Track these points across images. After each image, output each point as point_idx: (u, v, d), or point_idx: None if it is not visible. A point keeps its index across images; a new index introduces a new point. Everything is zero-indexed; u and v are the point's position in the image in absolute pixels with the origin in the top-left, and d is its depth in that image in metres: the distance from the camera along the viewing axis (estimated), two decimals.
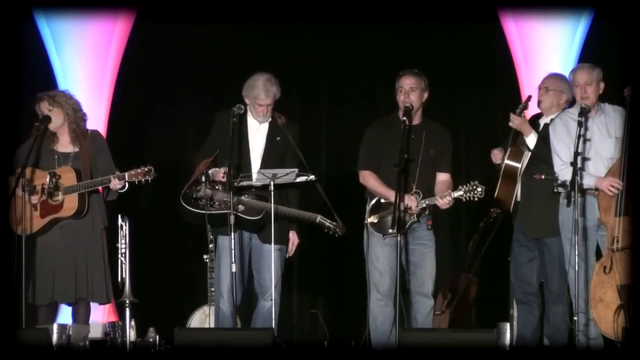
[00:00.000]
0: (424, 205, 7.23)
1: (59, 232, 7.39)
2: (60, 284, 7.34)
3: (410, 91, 7.30)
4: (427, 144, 7.34)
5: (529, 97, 7.71)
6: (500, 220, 8.12)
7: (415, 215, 7.24)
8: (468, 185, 7.22)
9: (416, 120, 7.39)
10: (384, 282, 7.29)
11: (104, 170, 7.40)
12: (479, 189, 7.20)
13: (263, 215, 7.28)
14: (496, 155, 7.74)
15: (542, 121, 7.70)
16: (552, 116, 7.61)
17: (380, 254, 7.31)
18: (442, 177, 7.40)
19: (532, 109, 8.05)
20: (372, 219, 7.35)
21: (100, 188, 7.42)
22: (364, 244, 7.40)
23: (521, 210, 7.62)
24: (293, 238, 7.53)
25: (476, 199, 7.24)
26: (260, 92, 7.36)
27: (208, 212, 7.25)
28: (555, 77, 7.80)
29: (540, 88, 7.74)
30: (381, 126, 7.48)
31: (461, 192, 7.22)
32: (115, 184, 7.25)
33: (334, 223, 7.39)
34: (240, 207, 7.32)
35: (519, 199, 7.65)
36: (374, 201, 7.37)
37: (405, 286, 7.40)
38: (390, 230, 7.08)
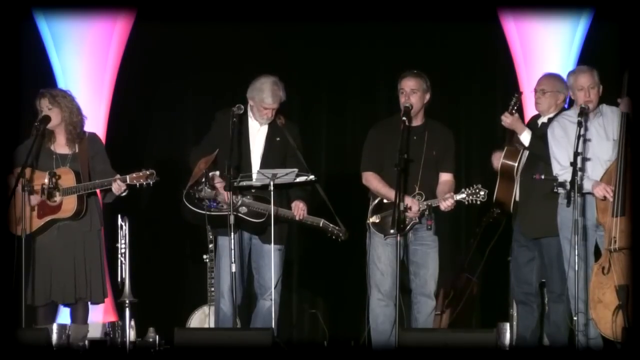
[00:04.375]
0: (425, 207, 7.24)
1: (56, 232, 7.38)
2: (58, 285, 7.32)
3: (411, 93, 7.30)
4: (429, 145, 7.34)
5: (520, 94, 7.64)
6: (503, 223, 8.09)
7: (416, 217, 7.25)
8: (471, 188, 7.23)
9: (418, 121, 7.39)
10: (386, 282, 7.29)
11: (101, 172, 7.38)
12: (482, 193, 7.22)
13: (266, 217, 7.28)
14: (497, 159, 7.70)
15: (540, 121, 7.68)
16: (550, 115, 7.60)
17: (382, 254, 7.31)
18: (445, 177, 7.40)
19: (530, 111, 8.04)
20: (374, 219, 7.36)
21: (98, 191, 7.41)
22: (367, 244, 7.40)
23: (520, 209, 7.61)
24: (301, 205, 7.41)
25: (478, 202, 7.26)
26: (268, 96, 7.35)
27: (212, 212, 7.25)
28: (550, 77, 7.77)
29: (536, 91, 7.71)
30: (383, 127, 7.47)
31: (464, 195, 7.23)
32: (118, 187, 7.23)
33: (337, 227, 7.40)
34: (243, 209, 7.32)
35: (517, 198, 7.64)
36: (376, 201, 7.38)
37: (407, 286, 7.40)
38: (392, 231, 7.08)
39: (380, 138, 7.42)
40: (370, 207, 7.40)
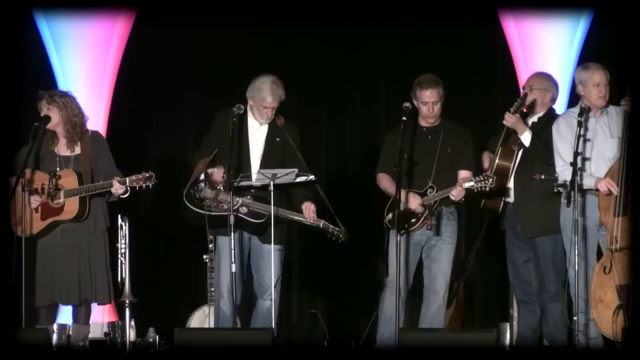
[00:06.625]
0: (432, 201, 7.33)
1: (60, 234, 7.37)
2: (61, 286, 7.32)
3: (433, 105, 7.39)
4: (443, 143, 7.45)
5: (525, 94, 7.65)
6: (486, 223, 8.08)
7: (427, 209, 7.30)
8: (479, 176, 7.28)
9: (434, 121, 7.50)
10: (400, 279, 7.31)
11: (106, 172, 7.37)
12: (490, 180, 7.29)
13: (267, 218, 7.28)
14: (485, 160, 7.71)
15: (530, 120, 7.69)
16: (540, 114, 7.62)
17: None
18: (464, 174, 7.47)
19: None
20: (390, 217, 7.41)
21: None
22: (385, 242, 7.43)
23: (515, 209, 7.60)
24: (312, 207, 7.43)
25: (487, 189, 7.31)
26: (268, 95, 7.36)
27: (212, 212, 7.25)
28: (539, 75, 7.81)
29: (524, 88, 7.73)
30: (399, 133, 7.51)
31: (472, 183, 7.30)
32: (117, 188, 7.23)
33: (337, 229, 7.41)
34: (243, 210, 7.32)
35: (507, 199, 7.64)
36: (391, 199, 7.44)
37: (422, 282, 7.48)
38: (406, 226, 7.21)
39: (395, 143, 7.43)
40: (388, 206, 7.47)
